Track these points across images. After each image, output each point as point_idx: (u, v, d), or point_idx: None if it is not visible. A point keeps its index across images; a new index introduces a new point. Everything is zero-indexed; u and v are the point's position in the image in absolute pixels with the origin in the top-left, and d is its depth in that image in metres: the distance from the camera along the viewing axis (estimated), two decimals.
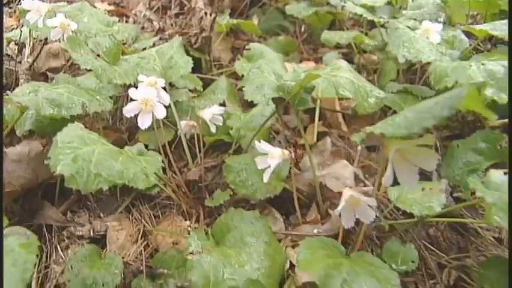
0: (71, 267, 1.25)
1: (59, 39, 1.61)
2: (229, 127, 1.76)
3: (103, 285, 1.20)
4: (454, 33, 1.88)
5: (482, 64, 1.44)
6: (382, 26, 2.14)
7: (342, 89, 1.39)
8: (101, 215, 1.55)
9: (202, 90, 2.03)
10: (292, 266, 1.29)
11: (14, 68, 2.01)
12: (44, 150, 1.52)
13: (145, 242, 1.46)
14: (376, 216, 1.13)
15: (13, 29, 2.42)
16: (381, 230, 1.41)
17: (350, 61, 2.32)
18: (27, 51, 2.04)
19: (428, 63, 1.60)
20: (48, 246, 1.43)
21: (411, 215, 1.32)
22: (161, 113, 1.31)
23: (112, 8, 2.87)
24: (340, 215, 1.11)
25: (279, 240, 1.38)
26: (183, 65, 1.79)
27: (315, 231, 1.40)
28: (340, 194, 1.15)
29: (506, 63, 1.44)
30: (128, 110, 1.29)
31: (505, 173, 1.15)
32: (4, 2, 2.75)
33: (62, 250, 1.41)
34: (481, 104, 0.89)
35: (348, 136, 1.89)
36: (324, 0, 2.62)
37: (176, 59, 1.80)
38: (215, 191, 1.57)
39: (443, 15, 2.13)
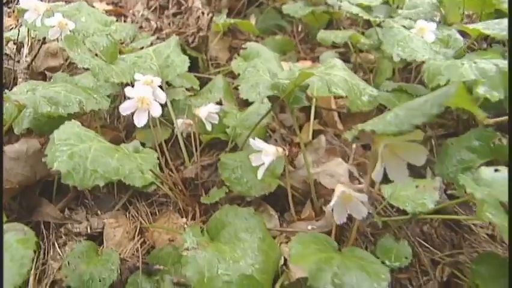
0: (69, 264, 1.27)
1: (57, 39, 1.62)
2: (226, 125, 1.77)
3: (100, 281, 1.22)
4: (449, 33, 1.89)
5: (475, 62, 1.46)
6: (378, 25, 2.15)
7: (335, 87, 1.40)
8: (99, 212, 1.56)
9: (199, 89, 2.05)
10: (286, 262, 1.29)
11: (12, 67, 2.02)
12: (42, 148, 1.53)
13: (142, 239, 1.48)
14: (369, 213, 1.14)
15: (11, 28, 2.44)
16: (375, 226, 1.42)
17: (347, 60, 2.34)
18: (25, 50, 2.05)
19: (423, 62, 1.61)
20: (46, 243, 1.44)
21: (405, 212, 1.33)
22: (157, 111, 1.32)
23: (110, 7, 2.87)
24: (332, 211, 1.12)
25: (274, 237, 1.39)
26: (180, 64, 1.80)
27: (309, 227, 1.41)
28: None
29: (498, 61, 1.46)
30: (124, 108, 1.31)
31: (495, 170, 1.16)
32: (3, 1, 2.76)
33: (59, 247, 1.42)
34: (470, 101, 0.91)
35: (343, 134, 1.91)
36: None
37: (173, 58, 1.81)
38: (211, 189, 1.59)
39: (438, 15, 2.15)
